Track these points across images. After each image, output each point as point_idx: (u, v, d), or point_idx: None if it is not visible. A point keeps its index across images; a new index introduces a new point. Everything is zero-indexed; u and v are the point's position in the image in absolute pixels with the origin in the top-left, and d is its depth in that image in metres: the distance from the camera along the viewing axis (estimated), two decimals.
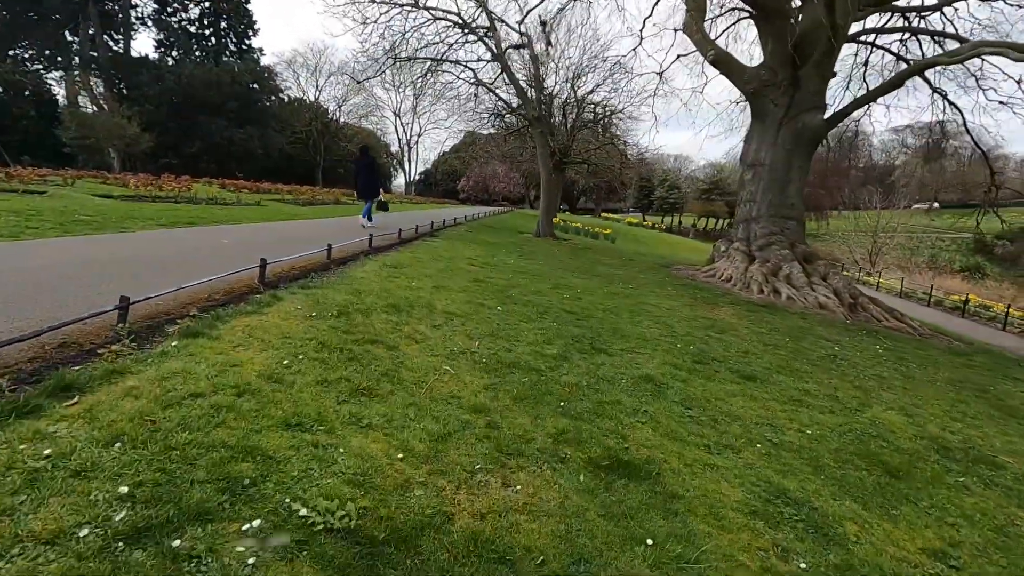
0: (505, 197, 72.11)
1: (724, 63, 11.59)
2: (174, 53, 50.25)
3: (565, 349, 4.92)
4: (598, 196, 78.75)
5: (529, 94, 17.14)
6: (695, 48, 14.48)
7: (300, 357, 3.36)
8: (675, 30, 15.39)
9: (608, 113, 29.49)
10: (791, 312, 9.27)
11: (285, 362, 3.23)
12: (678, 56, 15.35)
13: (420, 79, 17.06)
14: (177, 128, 39.58)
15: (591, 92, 29.96)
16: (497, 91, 17.55)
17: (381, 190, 12.89)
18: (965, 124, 12.78)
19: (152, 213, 10.40)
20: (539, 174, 48.18)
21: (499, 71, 18.23)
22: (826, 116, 11.24)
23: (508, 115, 20.77)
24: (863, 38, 13.30)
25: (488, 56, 17.53)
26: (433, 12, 16.22)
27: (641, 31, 16.44)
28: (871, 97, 11.36)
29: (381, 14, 15.92)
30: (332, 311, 4.42)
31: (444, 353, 4.16)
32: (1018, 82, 13.85)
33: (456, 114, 59.30)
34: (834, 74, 11.41)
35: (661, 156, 66.62)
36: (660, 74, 16.09)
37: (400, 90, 59.78)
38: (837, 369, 6.20)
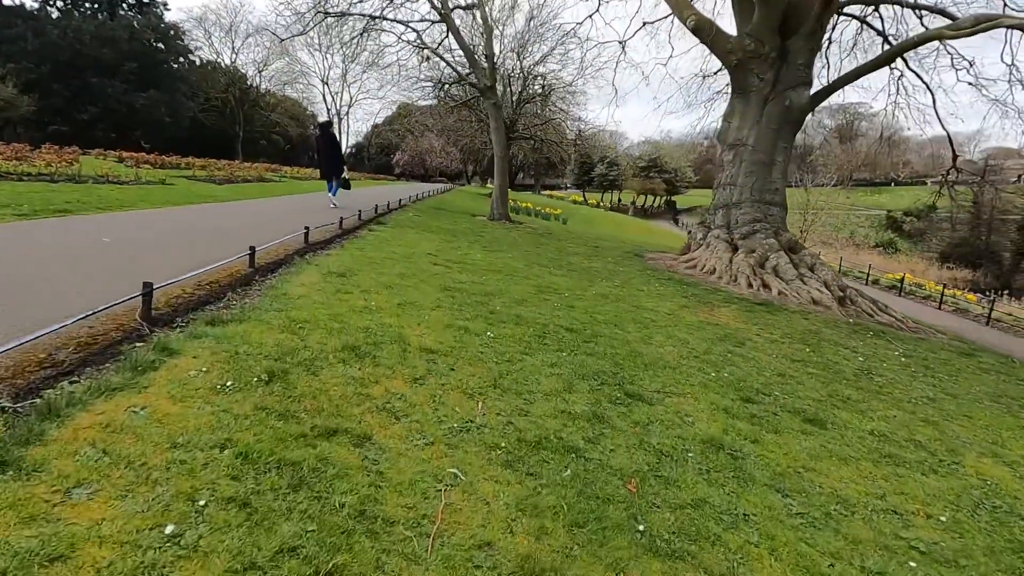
0: (442, 172, 69.64)
1: (705, 30, 10.46)
2: (59, 3, 43.78)
3: (594, 400, 3.61)
4: (537, 172, 77.63)
5: (480, 60, 15.42)
6: (669, 12, 13.30)
7: (202, 504, 1.83)
8: None
9: (558, 86, 28.16)
10: (789, 310, 8.44)
11: (169, 528, 1.70)
12: (644, 23, 14.13)
13: (356, 39, 14.88)
14: (65, 90, 34.41)
15: (538, 63, 28.49)
16: (445, 57, 15.67)
17: (345, 168, 12.45)
18: (935, 106, 12.45)
19: (11, 196, 8.06)
20: (480, 150, 46.26)
21: (443, 35, 16.37)
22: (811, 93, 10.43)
23: (454, 85, 18.95)
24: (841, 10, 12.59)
25: (433, 17, 15.61)
26: None
27: None
28: (859, 73, 10.63)
29: None
30: (259, 371, 2.86)
31: (440, 435, 2.73)
32: (971, 63, 13.71)
33: (392, 84, 55.90)
34: (820, 46, 10.60)
35: (597, 132, 65.99)
36: (623, 43, 14.84)
37: (329, 54, 55.51)
38: (883, 391, 5.28)
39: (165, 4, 48.06)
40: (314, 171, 36.08)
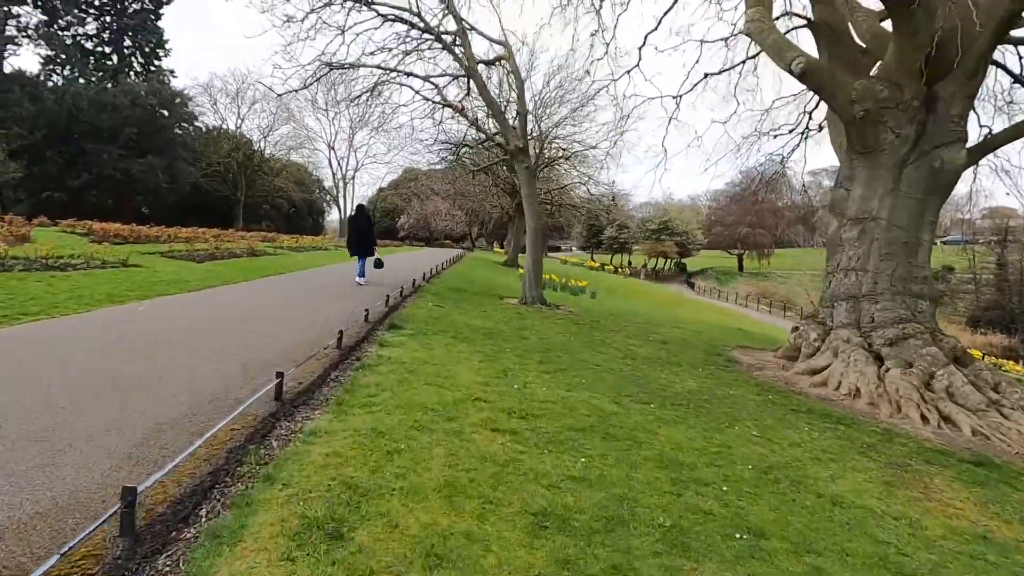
0: (447, 235, 68.36)
1: (818, 74, 8.13)
2: (65, 72, 43.39)
3: None
4: (544, 235, 76.23)
5: (510, 119, 13.24)
6: (735, 63, 11.21)
7: None
8: (701, 41, 12.12)
9: (579, 150, 26.30)
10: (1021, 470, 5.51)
11: None
12: (706, 75, 11.95)
13: (366, 96, 12.73)
14: (59, 157, 32.85)
15: (556, 126, 26.78)
16: (469, 115, 13.51)
17: (376, 248, 13.22)
18: None
19: None
20: (488, 212, 44.22)
21: (462, 93, 14.34)
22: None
23: (477, 147, 16.83)
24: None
25: (454, 71, 13.60)
26: (379, 7, 12.08)
27: (641, 48, 13.01)
28: None
29: (310, 11, 11.65)
30: None
31: None
32: None
33: (401, 148, 55.25)
34: (978, 91, 8.27)
35: (625, 195, 64.45)
36: (677, 98, 12.68)
37: (335, 117, 55.05)
38: None
39: (172, 72, 48.00)
40: (315, 239, 33.99)
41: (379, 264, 12.89)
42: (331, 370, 5.06)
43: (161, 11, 47.89)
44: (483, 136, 14.46)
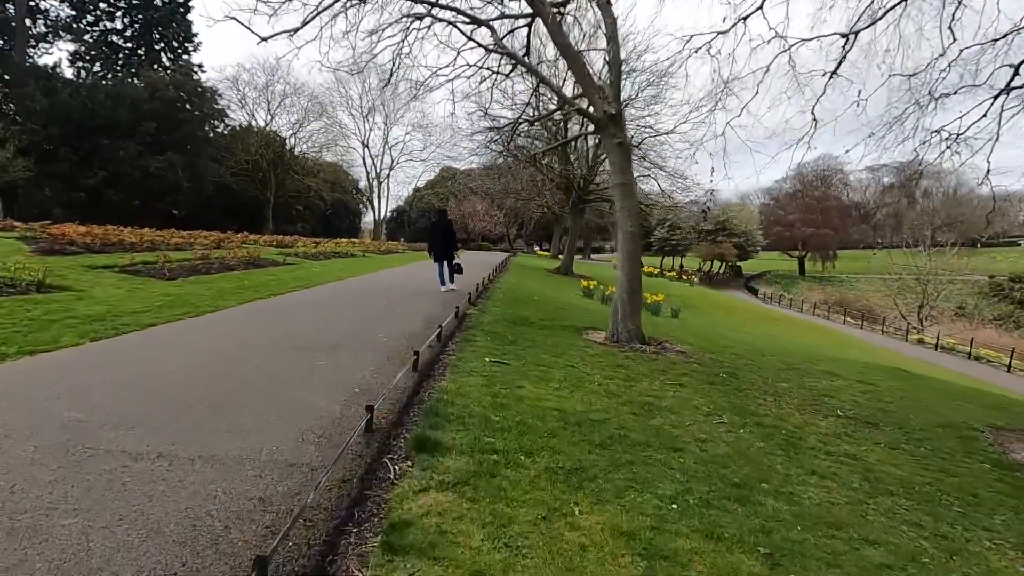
0: (484, 236, 64.81)
1: None
2: (96, 68, 41.66)
3: None
4: (587, 237, 71.47)
5: (596, 76, 9.23)
6: None
7: None
8: None
9: (654, 135, 21.99)
10: None
11: None
12: None
13: (388, 46, 8.94)
14: (72, 154, 30.52)
15: (625, 104, 22.53)
16: (526, 63, 9.52)
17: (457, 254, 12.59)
18: None
19: None
20: (535, 214, 39.94)
21: (522, 48, 10.40)
22: None
23: (536, 123, 12.85)
24: None
25: (514, 10, 9.68)
26: None
27: None
28: None
29: None
30: None
31: None
32: None
33: (435, 144, 51.66)
34: None
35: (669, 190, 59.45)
36: (848, 36, 8.44)
37: (369, 113, 51.98)
38: None
39: (200, 66, 45.75)
40: (338, 243, 30.73)
41: (459, 270, 12.31)
42: None
43: (191, 4, 45.88)
44: (562, 100, 10.45)
